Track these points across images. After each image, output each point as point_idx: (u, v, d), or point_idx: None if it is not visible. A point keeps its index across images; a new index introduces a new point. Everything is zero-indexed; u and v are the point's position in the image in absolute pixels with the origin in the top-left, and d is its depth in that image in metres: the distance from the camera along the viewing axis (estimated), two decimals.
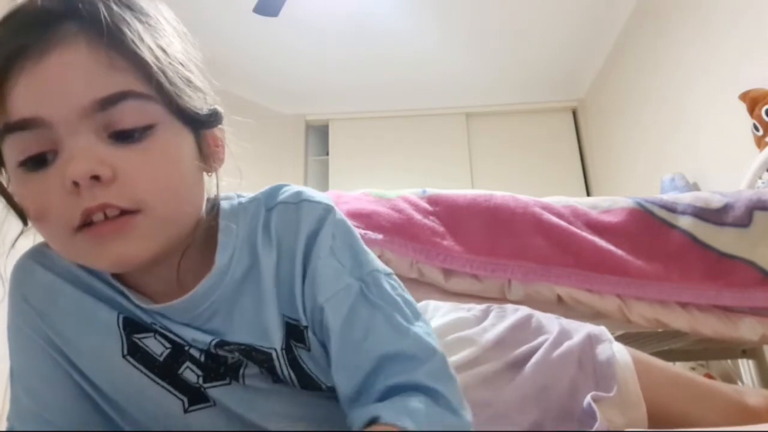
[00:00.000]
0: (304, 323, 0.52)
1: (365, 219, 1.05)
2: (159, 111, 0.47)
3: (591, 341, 0.73)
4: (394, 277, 0.55)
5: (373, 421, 0.42)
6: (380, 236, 1.04)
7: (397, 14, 2.95)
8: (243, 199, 0.57)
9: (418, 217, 1.08)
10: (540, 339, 0.75)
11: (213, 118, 0.52)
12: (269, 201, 0.55)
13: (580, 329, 0.76)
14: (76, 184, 0.43)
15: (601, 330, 0.76)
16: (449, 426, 0.43)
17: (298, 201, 0.54)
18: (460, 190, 1.18)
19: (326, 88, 3.67)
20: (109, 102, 0.44)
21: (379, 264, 0.54)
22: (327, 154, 3.87)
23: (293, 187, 0.56)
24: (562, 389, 0.69)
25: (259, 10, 2.39)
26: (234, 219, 0.54)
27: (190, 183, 0.50)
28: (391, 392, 0.46)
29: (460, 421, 0.44)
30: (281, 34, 3.07)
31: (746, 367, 1.73)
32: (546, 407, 0.68)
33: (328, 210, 0.54)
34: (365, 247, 0.55)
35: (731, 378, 1.76)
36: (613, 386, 0.68)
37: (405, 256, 1.04)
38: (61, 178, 0.43)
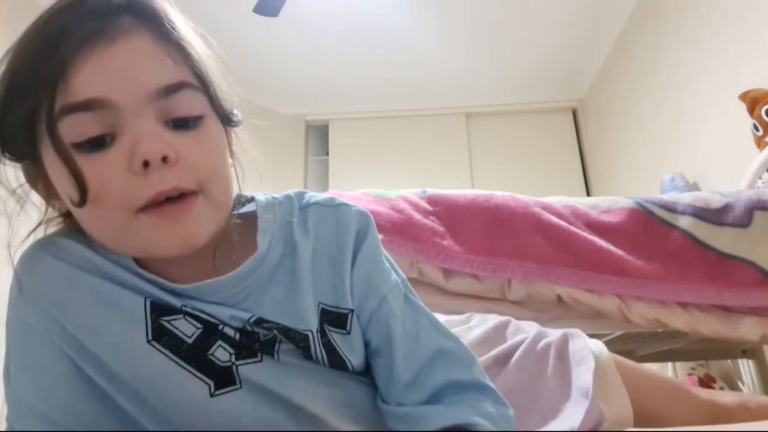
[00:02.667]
0: (350, 307, 0.56)
1: None
2: (206, 104, 0.51)
3: (566, 338, 0.77)
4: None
5: (458, 426, 0.49)
6: (380, 236, 1.04)
7: (397, 14, 2.95)
8: (276, 195, 0.61)
9: (418, 217, 1.09)
10: (520, 337, 0.79)
11: (238, 118, 0.57)
12: (301, 201, 0.61)
13: (557, 330, 0.79)
14: (146, 164, 0.45)
15: (576, 330, 0.79)
16: (510, 418, 0.54)
17: (335, 205, 0.60)
18: (460, 190, 1.18)
19: (326, 88, 3.67)
20: (171, 89, 0.48)
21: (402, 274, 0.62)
22: (327, 154, 3.87)
23: (322, 194, 0.62)
24: (546, 378, 0.72)
25: (259, 10, 2.39)
26: (271, 210, 0.59)
27: (230, 172, 0.54)
28: (451, 386, 0.54)
29: (513, 413, 0.54)
30: (281, 34, 3.07)
31: (746, 367, 1.73)
32: (534, 397, 0.69)
33: (368, 215, 0.60)
34: (391, 260, 0.62)
35: (731, 378, 1.76)
36: (590, 362, 0.70)
37: (405, 256, 1.04)
38: (125, 158, 0.45)
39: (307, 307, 0.54)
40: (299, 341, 0.53)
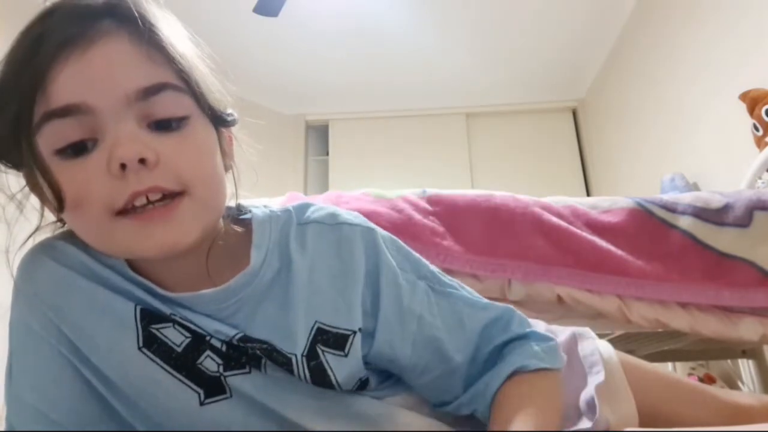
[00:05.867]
0: (352, 328, 0.54)
1: (365, 219, 1.05)
2: (191, 105, 0.50)
3: (575, 339, 0.75)
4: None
5: (514, 373, 0.54)
6: None
7: (397, 15, 2.95)
8: (274, 208, 0.60)
9: (418, 217, 1.08)
10: None
11: (232, 117, 0.55)
12: (300, 216, 0.59)
13: (565, 330, 0.78)
14: (123, 166, 0.45)
15: (586, 329, 0.78)
16: (554, 348, 0.58)
17: (336, 223, 0.58)
18: (460, 190, 1.18)
19: (326, 88, 3.67)
20: (150, 91, 0.47)
21: (422, 260, 0.62)
22: (327, 154, 3.87)
23: (324, 207, 0.59)
24: None
25: (259, 10, 2.39)
26: (267, 224, 0.57)
27: (220, 174, 0.53)
28: (496, 350, 0.57)
29: (555, 343, 0.59)
30: (281, 34, 3.07)
31: (746, 367, 1.73)
32: None
33: (372, 230, 0.58)
34: (410, 249, 0.61)
35: (731, 378, 1.76)
36: (600, 372, 0.69)
37: None
38: (104, 162, 0.45)
39: (297, 327, 0.52)
40: (282, 363, 0.52)
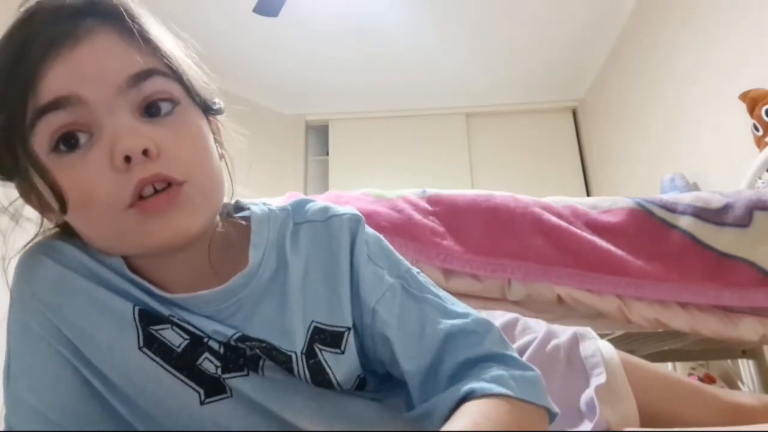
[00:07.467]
0: (347, 326, 0.54)
1: (365, 219, 1.05)
2: (181, 91, 0.51)
3: (577, 339, 0.76)
4: (422, 273, 0.60)
5: (467, 396, 0.45)
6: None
7: (397, 14, 2.95)
8: (273, 207, 0.60)
9: (417, 217, 1.09)
10: (528, 338, 0.77)
11: (218, 106, 0.56)
12: (297, 215, 0.59)
13: (567, 330, 0.78)
14: (127, 159, 0.45)
15: (587, 329, 0.78)
16: (531, 379, 0.48)
17: (326, 218, 0.58)
18: (460, 190, 1.18)
19: (326, 88, 3.67)
20: (140, 77, 0.47)
21: (408, 263, 0.59)
22: (327, 154, 3.87)
23: (317, 203, 0.60)
24: (554, 386, 0.70)
25: (259, 10, 2.39)
26: (265, 223, 0.57)
27: (216, 160, 0.54)
28: (463, 366, 0.49)
29: (535, 374, 0.49)
30: (281, 34, 3.07)
31: (746, 367, 1.73)
32: None
33: (357, 220, 0.58)
34: (393, 249, 0.60)
35: (731, 378, 1.76)
36: (602, 374, 0.69)
37: (405, 256, 1.03)
38: (106, 157, 0.45)
39: (295, 326, 0.53)
40: (282, 362, 0.52)
